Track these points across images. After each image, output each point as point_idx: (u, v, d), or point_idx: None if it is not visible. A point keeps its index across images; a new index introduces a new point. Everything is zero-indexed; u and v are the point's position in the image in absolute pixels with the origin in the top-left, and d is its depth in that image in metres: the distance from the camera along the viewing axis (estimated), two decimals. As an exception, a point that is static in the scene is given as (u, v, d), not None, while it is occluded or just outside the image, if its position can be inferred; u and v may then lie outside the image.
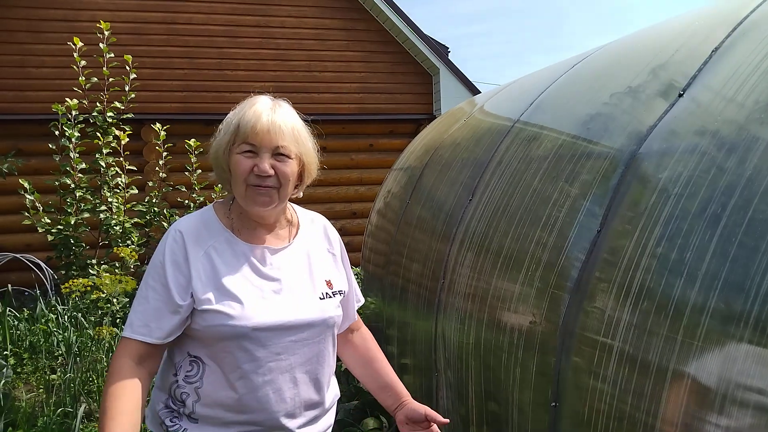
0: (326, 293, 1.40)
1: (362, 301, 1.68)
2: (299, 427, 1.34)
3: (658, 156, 1.49)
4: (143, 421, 1.32)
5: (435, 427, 1.46)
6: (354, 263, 8.86)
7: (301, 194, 1.45)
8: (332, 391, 1.48)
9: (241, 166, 1.28)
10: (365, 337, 1.66)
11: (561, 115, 2.35)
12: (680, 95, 1.60)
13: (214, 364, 1.29)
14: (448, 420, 1.44)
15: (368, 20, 7.84)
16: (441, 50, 8.20)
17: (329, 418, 1.47)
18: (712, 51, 1.63)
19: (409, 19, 7.68)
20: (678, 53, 1.84)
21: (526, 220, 2.00)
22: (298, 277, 1.37)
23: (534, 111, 2.62)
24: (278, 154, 1.29)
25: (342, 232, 9.59)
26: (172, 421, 1.32)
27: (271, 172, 1.28)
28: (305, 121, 1.41)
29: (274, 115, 1.30)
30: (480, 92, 7.52)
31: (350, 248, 9.08)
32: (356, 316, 1.65)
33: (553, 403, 1.55)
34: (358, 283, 6.38)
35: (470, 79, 8.17)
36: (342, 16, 7.77)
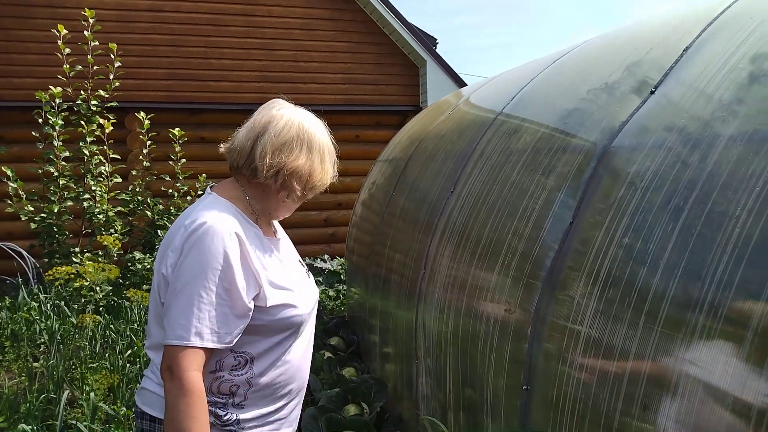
0: (308, 273, 1.59)
1: None
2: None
3: (629, 151, 1.55)
4: (143, 417, 1.40)
5: None
6: (339, 254, 8.84)
7: None
8: None
9: None
10: None
11: (541, 109, 2.41)
12: (652, 92, 1.65)
13: (266, 353, 1.37)
14: None
15: (355, 11, 7.83)
16: (428, 42, 8.22)
17: None
18: (684, 49, 1.69)
19: (396, 11, 7.69)
20: (653, 51, 1.89)
21: (504, 212, 2.06)
22: (296, 263, 1.56)
23: (516, 105, 2.67)
24: None
25: (327, 223, 9.59)
26: (223, 411, 1.35)
27: None
28: None
29: None
30: (467, 85, 7.56)
31: (335, 239, 9.07)
32: None
33: (525, 387, 1.62)
34: (341, 273, 6.39)
35: (458, 71, 8.20)
36: (329, 6, 7.76)
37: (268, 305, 1.33)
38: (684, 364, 1.14)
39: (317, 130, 1.43)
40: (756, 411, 1.00)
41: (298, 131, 1.38)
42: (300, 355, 1.46)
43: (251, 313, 1.31)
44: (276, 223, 1.58)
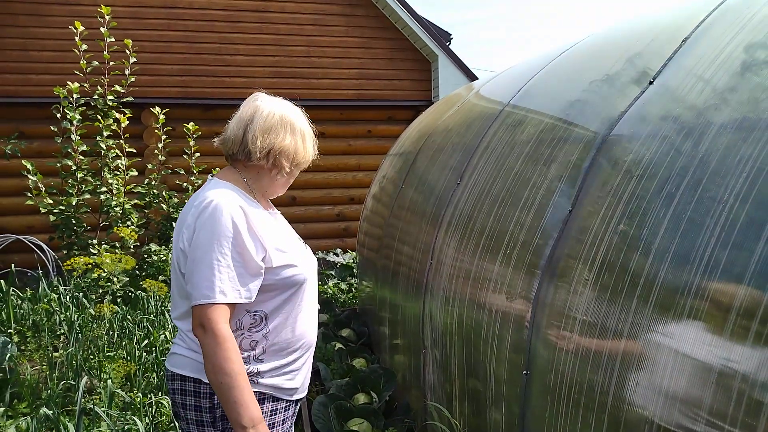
0: (305, 245, 1.78)
1: None
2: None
3: (626, 140, 1.58)
4: (174, 378, 1.56)
5: None
6: (351, 248, 8.87)
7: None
8: None
9: None
10: None
11: (545, 101, 2.43)
12: (651, 83, 1.68)
13: (277, 310, 1.56)
14: None
15: (367, 6, 7.86)
16: (440, 37, 8.23)
17: None
18: (683, 40, 1.71)
19: (408, 5, 7.71)
20: (653, 42, 1.91)
21: (507, 202, 2.09)
22: (293, 233, 1.75)
23: (522, 97, 2.70)
24: None
25: (340, 217, 9.64)
26: (246, 364, 1.52)
27: None
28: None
29: None
30: (478, 79, 7.56)
31: (347, 233, 9.12)
32: None
33: (525, 372, 1.66)
34: (353, 267, 6.43)
35: (472, 65, 8.27)
36: (341, 2, 7.80)
37: (273, 266, 1.52)
38: (674, 344, 1.17)
39: (296, 115, 1.65)
40: (736, 390, 1.03)
41: (280, 117, 1.60)
42: (306, 314, 1.65)
43: (263, 272, 1.49)
44: (271, 203, 1.77)
